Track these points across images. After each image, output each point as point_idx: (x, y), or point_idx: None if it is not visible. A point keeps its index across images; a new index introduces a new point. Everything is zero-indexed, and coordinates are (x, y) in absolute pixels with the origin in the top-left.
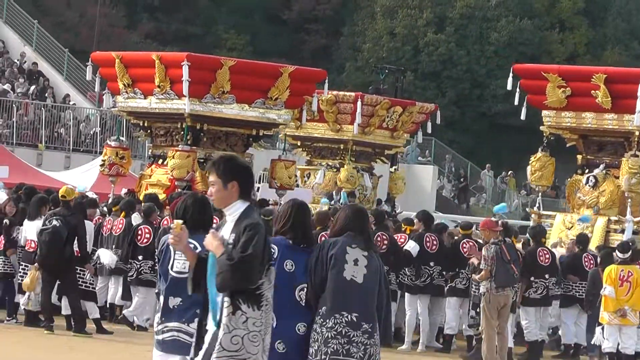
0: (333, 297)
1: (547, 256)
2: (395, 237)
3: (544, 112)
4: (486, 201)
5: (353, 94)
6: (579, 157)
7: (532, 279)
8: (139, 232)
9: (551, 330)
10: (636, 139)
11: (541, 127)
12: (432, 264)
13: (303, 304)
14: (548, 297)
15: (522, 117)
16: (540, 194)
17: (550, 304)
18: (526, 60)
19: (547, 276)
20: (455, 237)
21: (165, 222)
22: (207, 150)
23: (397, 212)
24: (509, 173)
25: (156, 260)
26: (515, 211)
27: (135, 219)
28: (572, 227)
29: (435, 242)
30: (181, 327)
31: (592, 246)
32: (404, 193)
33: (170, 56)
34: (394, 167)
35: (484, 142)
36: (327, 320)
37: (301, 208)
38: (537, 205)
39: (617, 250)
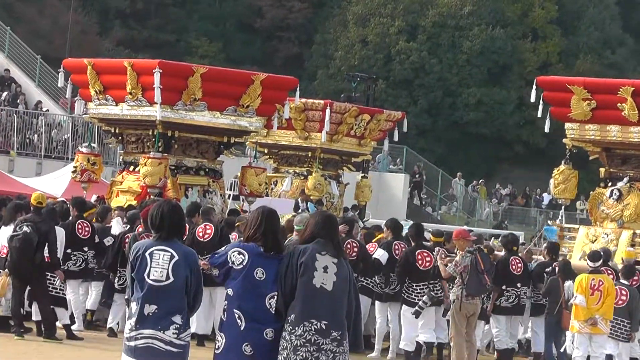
0: (302, 304)
1: (519, 265)
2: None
3: (567, 125)
4: (457, 209)
5: (322, 101)
6: (602, 170)
7: (504, 287)
8: (126, 240)
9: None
10: None
11: (564, 140)
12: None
13: (273, 312)
14: (519, 306)
15: (547, 129)
16: (563, 207)
17: (522, 312)
18: (498, 69)
19: (519, 285)
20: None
21: (140, 228)
22: (178, 157)
23: (365, 219)
24: (480, 181)
25: (130, 267)
26: (486, 220)
27: (116, 225)
28: (595, 240)
29: (403, 249)
30: (156, 334)
31: (618, 260)
32: (374, 201)
33: (142, 63)
34: (362, 175)
35: (456, 150)
36: (297, 328)
37: (271, 215)
38: (559, 218)
39: (587, 259)
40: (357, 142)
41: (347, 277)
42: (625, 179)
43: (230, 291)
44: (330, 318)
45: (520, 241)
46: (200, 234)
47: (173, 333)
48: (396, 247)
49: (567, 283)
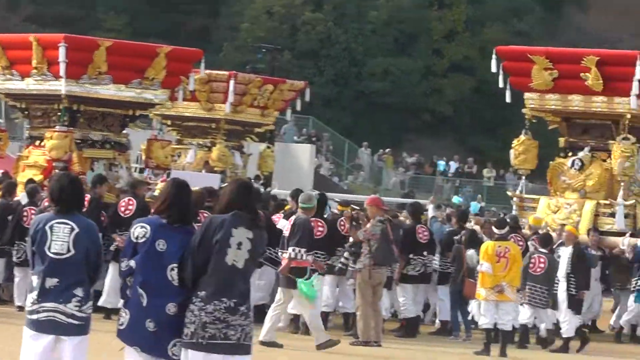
0: (215, 283)
1: (426, 233)
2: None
3: (527, 95)
4: (364, 179)
5: (226, 73)
6: (562, 139)
7: (410, 256)
8: (24, 213)
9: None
10: (627, 122)
11: (523, 110)
12: None
13: (175, 284)
14: (426, 274)
15: (508, 99)
16: (524, 177)
17: (429, 281)
18: (405, 38)
19: (425, 253)
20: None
21: (46, 202)
22: (84, 131)
23: (270, 190)
24: (387, 151)
25: (31, 240)
26: (393, 189)
27: (23, 200)
28: (558, 210)
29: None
30: (58, 307)
31: (582, 230)
32: (281, 171)
33: (48, 38)
34: (267, 146)
35: (362, 120)
36: (207, 306)
37: (180, 187)
38: (519, 188)
39: (493, 227)
40: (260, 112)
41: (259, 250)
42: (587, 149)
43: (133, 264)
44: (239, 295)
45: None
46: (122, 209)
47: (75, 306)
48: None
49: (470, 252)
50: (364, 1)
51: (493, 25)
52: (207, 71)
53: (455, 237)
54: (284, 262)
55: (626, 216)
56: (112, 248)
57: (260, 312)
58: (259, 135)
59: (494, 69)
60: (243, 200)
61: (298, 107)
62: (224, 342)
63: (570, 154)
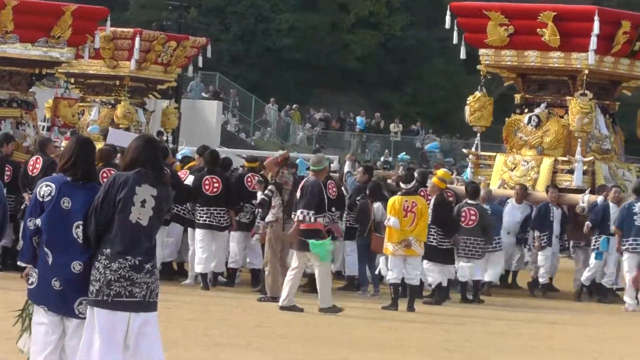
0: (119, 240)
1: (334, 189)
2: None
3: (482, 51)
4: (271, 135)
5: (131, 30)
6: (517, 96)
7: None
8: None
9: None
10: (584, 78)
11: (478, 67)
12: None
13: (80, 242)
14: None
15: (462, 56)
16: (479, 134)
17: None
18: None
19: (333, 209)
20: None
21: None
22: None
23: (177, 146)
24: (294, 107)
25: None
26: (300, 144)
27: None
28: (515, 167)
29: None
30: None
31: (540, 187)
32: (188, 128)
33: None
34: (170, 102)
35: (269, 76)
36: (112, 264)
37: (84, 144)
38: (474, 146)
39: (400, 181)
40: (163, 69)
41: (164, 208)
42: (543, 105)
43: (39, 223)
44: (144, 253)
45: (334, 164)
46: (30, 168)
47: None
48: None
49: (376, 205)
50: None
51: None
52: (112, 29)
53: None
54: (305, 225)
55: (584, 173)
56: (23, 207)
57: (168, 269)
58: (161, 92)
59: (447, 25)
60: (148, 157)
61: (200, 64)
62: (129, 300)
63: (526, 110)
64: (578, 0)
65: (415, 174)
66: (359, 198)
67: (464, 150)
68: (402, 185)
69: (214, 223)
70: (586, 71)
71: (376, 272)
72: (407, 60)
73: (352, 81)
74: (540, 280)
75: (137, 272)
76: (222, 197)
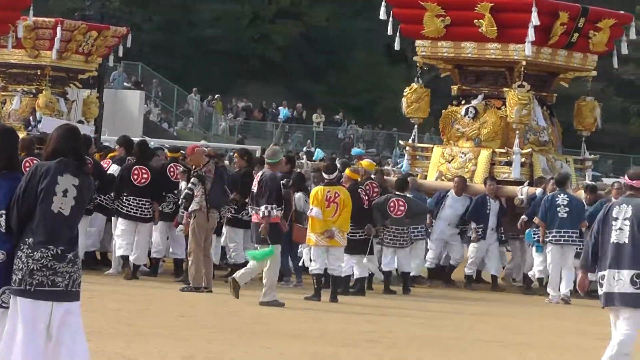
0: (41, 230)
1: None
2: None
3: (418, 42)
4: (193, 125)
5: (53, 19)
6: (454, 87)
7: (247, 200)
8: None
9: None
10: (522, 69)
11: (414, 58)
12: None
13: (3, 231)
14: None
15: (397, 47)
16: (416, 126)
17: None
18: None
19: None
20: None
21: None
22: None
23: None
24: (216, 97)
25: None
26: (222, 135)
27: None
28: (452, 159)
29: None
30: None
31: (478, 179)
32: (111, 118)
33: None
34: (92, 92)
35: (192, 66)
36: (34, 253)
37: (7, 134)
38: (412, 137)
39: (323, 172)
40: (84, 59)
41: (85, 197)
42: (480, 97)
43: None
44: (66, 242)
45: (258, 154)
46: None
47: None
48: (129, 162)
49: (297, 195)
50: None
51: None
52: (34, 18)
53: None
54: (255, 219)
55: (522, 165)
56: None
57: (91, 259)
58: (83, 81)
59: (382, 16)
60: (69, 146)
61: (120, 53)
62: (51, 289)
63: (463, 102)
64: None
65: (338, 165)
66: None
67: (401, 142)
68: (324, 175)
69: (139, 214)
70: (524, 62)
71: (300, 263)
72: (329, 51)
73: (274, 71)
74: (467, 271)
75: (60, 261)
76: (148, 188)
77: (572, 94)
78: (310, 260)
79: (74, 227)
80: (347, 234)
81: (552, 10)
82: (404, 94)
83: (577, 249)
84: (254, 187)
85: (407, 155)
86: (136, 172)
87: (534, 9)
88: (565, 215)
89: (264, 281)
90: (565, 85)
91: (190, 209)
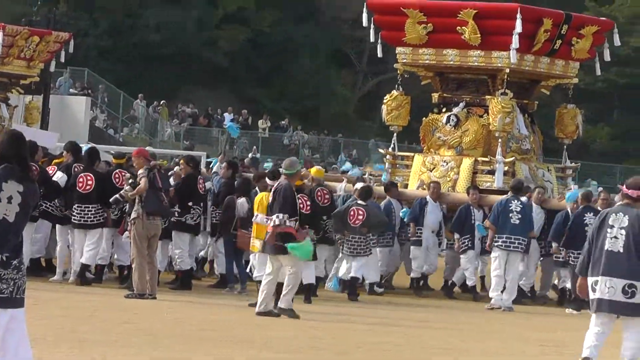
0: None
1: (202, 183)
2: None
3: (399, 49)
4: (139, 131)
5: None
6: (435, 95)
7: (190, 204)
8: None
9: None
10: (505, 77)
11: (395, 65)
12: None
13: None
14: (200, 225)
15: (379, 54)
16: (396, 134)
17: (199, 232)
18: None
19: (202, 204)
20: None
21: None
22: None
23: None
24: (162, 102)
25: None
26: (168, 140)
27: None
28: (434, 168)
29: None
30: None
31: (460, 188)
32: (57, 124)
33: None
34: (33, 97)
35: (137, 72)
36: None
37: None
38: (392, 146)
39: (267, 178)
40: (26, 64)
41: (30, 204)
42: (462, 104)
43: None
44: (11, 249)
45: (204, 160)
46: None
47: None
48: (76, 169)
49: (240, 200)
50: None
51: None
52: None
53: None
54: (269, 230)
55: (505, 174)
56: None
57: (36, 266)
58: (24, 87)
59: (364, 23)
60: (14, 152)
61: (62, 59)
62: None
63: (444, 109)
64: None
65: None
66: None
67: (381, 151)
68: (268, 181)
69: (84, 221)
70: (507, 70)
71: (247, 270)
72: (275, 57)
73: (220, 77)
74: (469, 283)
75: (4, 268)
76: (93, 194)
77: (552, 102)
78: (255, 266)
79: (19, 233)
80: None
81: (536, 17)
82: (384, 101)
83: (522, 256)
84: (270, 197)
85: (387, 164)
86: (81, 179)
87: (518, 15)
88: (517, 221)
89: (285, 284)
90: (547, 93)
91: (131, 217)
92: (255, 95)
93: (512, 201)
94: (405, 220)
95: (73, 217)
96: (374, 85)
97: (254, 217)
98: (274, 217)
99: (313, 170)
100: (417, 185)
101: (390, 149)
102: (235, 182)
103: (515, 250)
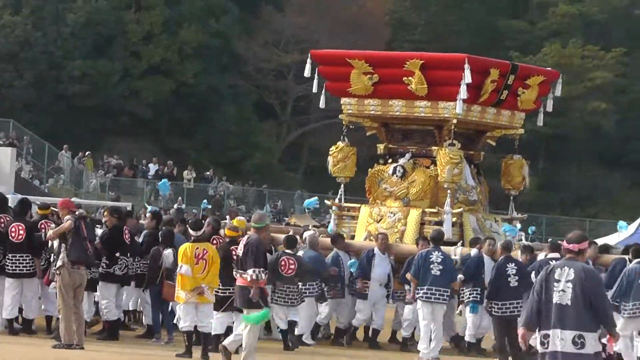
0: None
1: (128, 235)
2: None
3: (344, 100)
4: (64, 182)
5: None
6: (381, 146)
7: (117, 254)
8: None
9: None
10: (452, 127)
11: (340, 116)
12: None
13: None
14: (128, 276)
15: (322, 105)
16: (343, 185)
17: (130, 283)
18: (103, 41)
19: (129, 254)
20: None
21: None
22: None
23: None
24: (87, 153)
25: None
26: (94, 191)
27: None
28: (381, 219)
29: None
30: None
31: (408, 239)
32: None
33: None
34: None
35: (62, 123)
36: None
37: None
38: (338, 196)
39: (190, 228)
40: None
41: None
42: (408, 155)
43: None
44: None
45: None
46: None
47: None
48: (1, 219)
49: (167, 251)
50: (62, 4)
51: (191, 26)
52: None
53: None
54: (240, 282)
55: (453, 225)
56: None
57: None
58: None
59: (307, 73)
60: None
61: None
62: None
63: (390, 160)
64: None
65: (210, 221)
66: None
67: (327, 202)
68: (191, 232)
69: (18, 270)
70: (454, 120)
71: (175, 321)
72: (198, 107)
73: (144, 127)
74: (404, 334)
75: None
76: (25, 243)
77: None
78: (180, 317)
79: None
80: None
81: (483, 67)
82: (330, 152)
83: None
84: (239, 251)
85: (333, 215)
86: (13, 229)
87: (466, 66)
88: (438, 272)
89: (243, 345)
90: (492, 143)
91: (55, 267)
92: (180, 146)
93: (433, 252)
94: (353, 274)
95: (7, 267)
96: (298, 135)
97: (179, 268)
98: (250, 271)
99: (235, 220)
100: (364, 237)
101: (336, 200)
102: (160, 233)
103: (437, 302)
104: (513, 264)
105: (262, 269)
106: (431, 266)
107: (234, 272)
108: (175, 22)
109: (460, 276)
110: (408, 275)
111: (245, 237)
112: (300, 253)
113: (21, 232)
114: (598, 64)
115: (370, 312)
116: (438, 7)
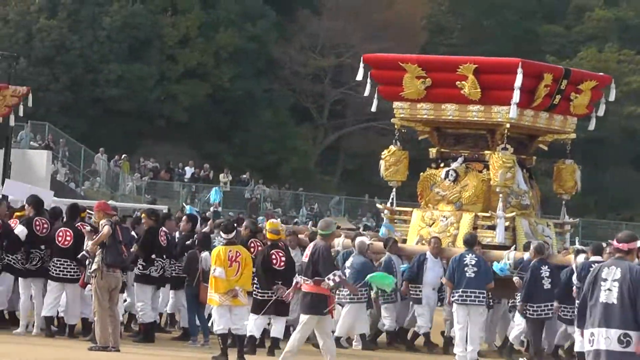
0: None
1: (164, 237)
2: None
3: (396, 104)
4: (100, 185)
5: None
6: (433, 150)
7: (153, 256)
8: None
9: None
10: (505, 132)
11: (392, 120)
12: (42, 247)
13: None
14: (164, 277)
15: (373, 109)
16: (394, 189)
17: (165, 285)
18: (138, 45)
19: (164, 256)
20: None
21: None
22: None
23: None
24: (123, 156)
25: None
26: (130, 194)
27: None
28: (433, 223)
29: (45, 226)
30: None
31: (460, 244)
32: (18, 178)
33: None
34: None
35: (98, 126)
36: None
37: None
38: (390, 200)
39: (221, 231)
40: None
41: None
42: (460, 159)
43: None
44: None
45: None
46: None
47: None
48: (37, 222)
49: (204, 254)
50: (98, 7)
51: (227, 30)
52: None
53: (188, 242)
54: (306, 289)
55: (505, 229)
56: None
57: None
58: None
59: (359, 77)
60: None
61: (20, 113)
62: None
63: (442, 164)
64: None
65: (247, 224)
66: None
67: (379, 206)
68: (222, 235)
69: (68, 276)
70: (507, 125)
71: (209, 324)
72: (234, 111)
73: (180, 131)
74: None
75: None
76: (72, 249)
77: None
78: (214, 320)
79: None
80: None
81: (537, 71)
82: (382, 156)
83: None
84: (305, 258)
85: (385, 219)
86: (61, 233)
87: (519, 70)
88: (472, 275)
89: (288, 343)
90: (545, 148)
91: (91, 270)
92: (216, 150)
93: (467, 255)
94: (402, 277)
95: (51, 271)
96: (334, 139)
97: (212, 271)
98: (332, 275)
99: (268, 223)
100: (415, 241)
101: (388, 204)
102: (195, 236)
103: (472, 304)
104: (546, 267)
105: (339, 272)
106: (465, 269)
107: (299, 278)
108: (211, 26)
109: (516, 278)
110: (443, 279)
111: (312, 244)
112: (350, 259)
113: (68, 237)
114: (634, 68)
115: (430, 316)
116: (474, 12)
